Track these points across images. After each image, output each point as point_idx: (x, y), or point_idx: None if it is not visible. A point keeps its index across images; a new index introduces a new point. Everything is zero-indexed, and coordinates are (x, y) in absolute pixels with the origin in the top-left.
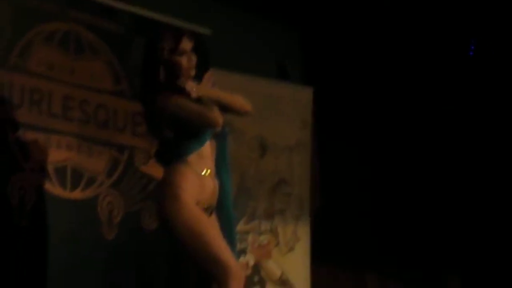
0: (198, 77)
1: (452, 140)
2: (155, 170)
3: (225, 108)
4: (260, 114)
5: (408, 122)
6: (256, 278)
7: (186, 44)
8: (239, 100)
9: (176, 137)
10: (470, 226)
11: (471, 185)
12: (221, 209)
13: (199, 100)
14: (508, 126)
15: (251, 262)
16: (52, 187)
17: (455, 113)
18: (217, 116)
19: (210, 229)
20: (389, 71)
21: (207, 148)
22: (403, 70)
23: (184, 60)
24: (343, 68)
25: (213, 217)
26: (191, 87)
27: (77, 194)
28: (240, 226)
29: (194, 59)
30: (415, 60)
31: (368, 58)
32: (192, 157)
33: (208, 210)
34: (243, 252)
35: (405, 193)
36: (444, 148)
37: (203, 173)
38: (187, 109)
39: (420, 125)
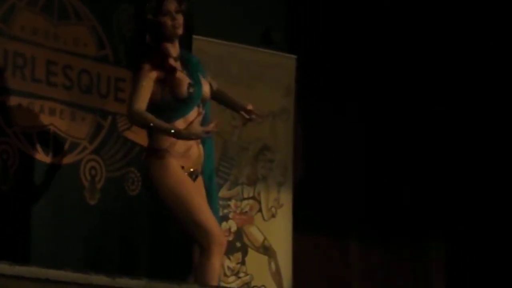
0: (184, 40)
1: (435, 106)
2: (138, 136)
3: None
4: (243, 81)
5: (392, 89)
6: (238, 244)
7: (171, 4)
8: None
9: (163, 102)
10: (454, 194)
11: (454, 152)
12: (204, 174)
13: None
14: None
15: (233, 228)
16: (35, 152)
17: (439, 78)
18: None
19: (195, 194)
20: (372, 38)
21: (194, 114)
22: (387, 38)
23: (167, 20)
24: (327, 36)
25: (199, 182)
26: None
27: (59, 159)
28: (223, 192)
29: (179, 18)
30: (399, 26)
31: (351, 26)
32: (179, 122)
33: (193, 175)
34: (225, 218)
35: (388, 160)
36: (426, 115)
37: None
38: (133, 85)
39: (405, 91)
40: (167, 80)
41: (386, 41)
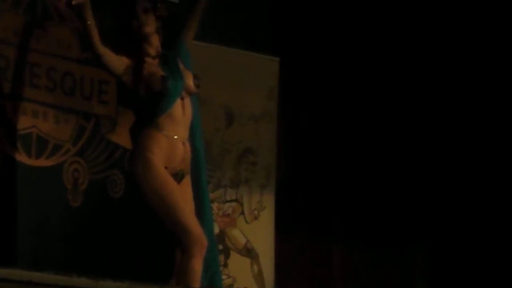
0: (167, 44)
1: (419, 109)
2: (121, 138)
3: None
4: (226, 83)
5: (375, 91)
6: (220, 246)
7: (138, 5)
8: None
9: (145, 98)
10: (439, 197)
11: (440, 156)
12: (194, 175)
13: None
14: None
15: (216, 230)
16: (17, 154)
17: (425, 81)
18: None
19: (177, 194)
20: (356, 40)
21: (178, 111)
22: (371, 39)
23: (134, 21)
24: (310, 38)
25: (186, 182)
26: None
27: (42, 162)
28: None
29: (145, 17)
30: (383, 27)
31: (335, 28)
32: (163, 119)
33: (178, 175)
34: None
35: (373, 164)
36: (411, 117)
37: (174, 137)
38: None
39: (388, 93)
40: (140, 73)
41: (370, 43)
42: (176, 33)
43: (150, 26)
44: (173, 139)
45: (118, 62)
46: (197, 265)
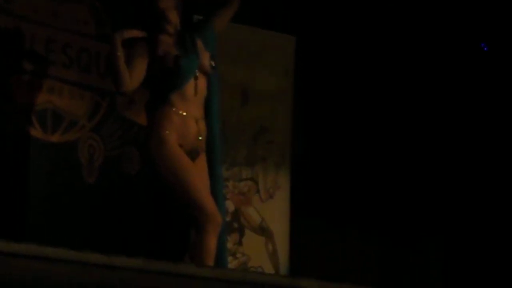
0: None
1: (438, 98)
2: (137, 115)
3: None
4: (242, 61)
5: (394, 69)
6: (235, 225)
7: None
8: None
9: (159, 75)
10: (454, 188)
11: (455, 147)
12: (208, 154)
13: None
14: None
15: (231, 209)
16: (33, 130)
17: (439, 72)
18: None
19: (191, 172)
20: (373, 20)
21: (190, 90)
22: (388, 20)
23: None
24: (327, 17)
25: (201, 160)
26: None
27: (57, 137)
28: None
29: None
30: (402, 9)
31: (352, 7)
32: (175, 97)
33: (192, 153)
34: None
35: (389, 148)
36: (430, 105)
37: (185, 115)
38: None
39: (406, 73)
40: (154, 51)
41: (387, 23)
42: (196, 12)
43: (166, 2)
44: (185, 117)
45: (142, 67)
46: (212, 242)
